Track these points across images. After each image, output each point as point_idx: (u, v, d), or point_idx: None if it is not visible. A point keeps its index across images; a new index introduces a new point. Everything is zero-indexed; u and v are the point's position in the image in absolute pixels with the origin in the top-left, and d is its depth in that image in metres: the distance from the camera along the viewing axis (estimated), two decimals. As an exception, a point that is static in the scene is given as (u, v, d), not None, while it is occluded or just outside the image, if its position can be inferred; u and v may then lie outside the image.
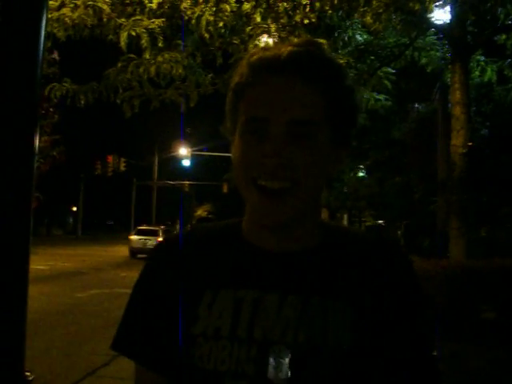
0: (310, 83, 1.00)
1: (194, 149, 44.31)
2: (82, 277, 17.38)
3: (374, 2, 5.98)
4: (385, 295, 1.04)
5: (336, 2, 5.38)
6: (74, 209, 60.09)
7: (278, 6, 5.73)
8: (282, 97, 0.99)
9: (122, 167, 46.88)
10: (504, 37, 9.76)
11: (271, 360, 0.98)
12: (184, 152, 43.73)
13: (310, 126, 1.00)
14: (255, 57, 1.04)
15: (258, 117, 1.00)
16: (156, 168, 53.66)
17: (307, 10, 5.49)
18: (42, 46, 1.31)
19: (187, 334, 1.03)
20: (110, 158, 46.17)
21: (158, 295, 1.09)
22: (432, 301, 7.36)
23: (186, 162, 45.47)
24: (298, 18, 5.74)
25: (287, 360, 0.97)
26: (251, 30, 6.54)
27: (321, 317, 1.00)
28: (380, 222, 31.75)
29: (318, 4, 5.41)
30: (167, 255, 1.14)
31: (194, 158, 45.59)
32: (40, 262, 19.60)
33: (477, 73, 10.87)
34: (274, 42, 6.77)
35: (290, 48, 1.01)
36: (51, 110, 15.65)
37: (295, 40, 1.07)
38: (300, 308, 1.01)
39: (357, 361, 0.98)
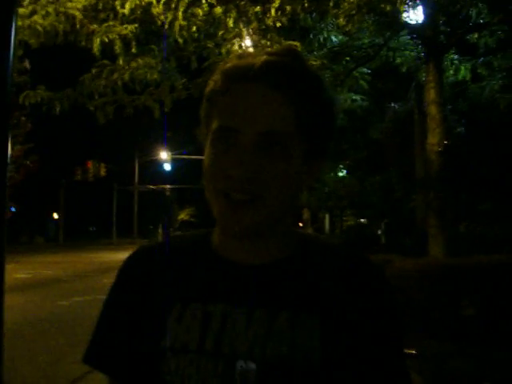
0: (282, 94, 0.98)
1: (174, 152, 44.19)
2: (64, 284, 17.20)
3: (346, 4, 6.00)
4: (353, 307, 1.03)
5: (307, 5, 5.39)
6: (56, 216, 59.57)
7: (248, 11, 5.73)
8: (252, 107, 0.97)
9: (103, 172, 46.64)
10: (476, 35, 9.87)
11: (237, 375, 0.97)
12: (164, 156, 43.61)
13: (280, 138, 0.98)
14: (229, 64, 1.03)
15: (228, 126, 0.98)
16: (137, 172, 53.44)
17: (278, 13, 5.49)
18: (11, 54, 1.30)
19: (157, 348, 1.02)
20: (90, 164, 45.91)
21: (129, 307, 1.08)
22: (411, 299, 7.41)
23: (167, 166, 45.37)
24: (269, 22, 5.75)
25: (254, 375, 0.96)
26: (223, 34, 6.53)
27: (289, 331, 0.99)
28: (362, 220, 31.88)
29: (288, 7, 5.42)
30: (139, 266, 1.13)
31: (174, 161, 45.50)
32: (21, 271, 19.41)
33: (451, 71, 10.97)
34: (250, 46, 6.80)
35: (264, 57, 1.00)
36: (23, 118, 15.51)
37: (274, 47, 1.06)
38: (268, 322, 1.00)
39: (327, 374, 0.98)
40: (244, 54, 1.05)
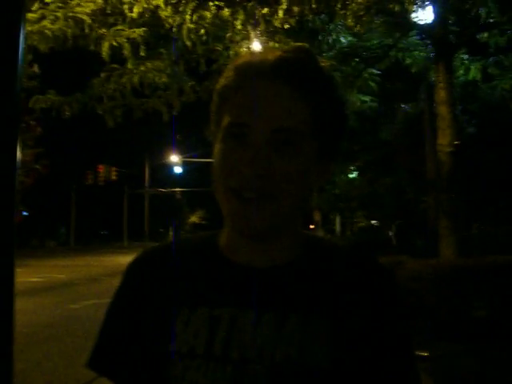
0: (296, 91, 0.96)
1: (185, 155, 44.28)
2: (75, 288, 17.26)
3: (354, 5, 5.98)
4: (362, 309, 1.02)
5: (314, 6, 5.38)
6: (67, 220, 59.90)
7: (256, 13, 5.72)
8: (266, 103, 0.95)
9: (114, 176, 46.89)
10: (486, 35, 9.81)
11: (247, 380, 0.95)
12: (175, 159, 43.73)
13: (293, 135, 0.96)
14: (242, 60, 1.02)
15: (241, 122, 0.96)
16: (147, 176, 53.65)
17: (286, 15, 5.48)
18: (21, 59, 1.30)
19: (163, 353, 1.00)
20: (101, 168, 46.19)
21: (133, 312, 1.07)
22: (422, 301, 7.36)
23: (178, 169, 45.46)
24: (277, 24, 5.74)
25: (264, 380, 0.95)
26: (231, 36, 6.53)
27: (298, 334, 0.97)
28: (373, 222, 31.81)
29: (296, 8, 5.41)
30: (143, 270, 1.11)
31: (185, 164, 45.58)
32: (33, 275, 19.49)
33: (461, 71, 10.92)
34: (258, 48, 6.79)
35: (278, 53, 0.99)
36: (32, 122, 15.57)
37: (287, 45, 1.04)
38: (277, 326, 0.98)
39: (337, 378, 0.96)
40: (257, 52, 1.04)
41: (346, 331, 0.99)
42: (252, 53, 1.04)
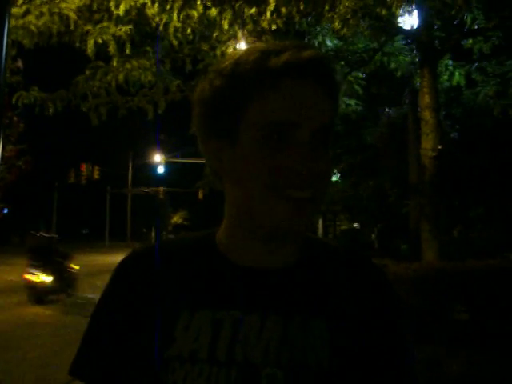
0: (327, 89, 0.99)
1: (168, 155, 44.12)
2: (55, 287, 17.11)
3: (341, 8, 6.00)
4: (361, 309, 1.02)
5: (302, 7, 5.39)
6: (48, 218, 59.42)
7: (243, 12, 5.71)
8: (311, 101, 0.96)
9: (96, 175, 46.58)
10: (471, 41, 9.91)
11: (264, 381, 0.94)
12: (158, 159, 43.55)
13: (329, 132, 0.98)
14: (278, 59, 0.95)
15: (286, 121, 0.94)
16: (130, 175, 53.43)
17: (274, 16, 5.48)
18: (4, 54, 1.28)
19: (160, 358, 0.97)
20: (84, 166, 45.86)
21: (123, 316, 1.02)
22: (404, 304, 7.40)
23: (160, 169, 45.26)
24: (264, 24, 5.74)
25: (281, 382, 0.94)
26: (217, 36, 6.52)
27: (302, 336, 0.97)
28: (355, 225, 31.94)
29: (284, 9, 5.41)
30: (134, 272, 1.06)
31: (167, 164, 45.40)
32: (12, 273, 19.32)
33: (445, 77, 11.02)
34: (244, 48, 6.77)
35: (309, 52, 0.97)
36: (15, 118, 15.42)
37: (287, 42, 1.01)
38: (281, 328, 0.97)
39: (338, 378, 0.96)
40: (279, 47, 0.98)
41: (346, 332, 1.00)
42: (273, 49, 0.98)
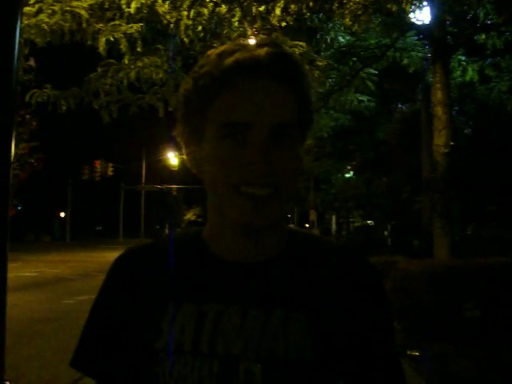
0: (287, 85, 0.99)
1: (181, 152, 44.12)
2: (69, 283, 17.25)
3: (351, 4, 5.98)
4: (345, 303, 1.02)
5: (311, 4, 5.37)
6: (62, 214, 59.79)
7: (252, 10, 5.71)
8: (265, 100, 0.97)
9: (110, 172, 46.83)
10: (484, 36, 9.83)
11: (233, 376, 0.96)
12: (171, 155, 43.65)
13: (289, 129, 0.98)
14: (229, 59, 0.99)
15: (240, 121, 0.96)
16: (144, 172, 53.59)
17: (283, 13, 5.47)
18: (16, 52, 1.30)
19: (149, 350, 1.01)
20: (98, 163, 46.12)
21: (118, 310, 1.07)
22: (415, 301, 7.38)
23: (174, 166, 45.36)
24: (274, 21, 5.73)
25: (250, 375, 0.96)
26: (226, 32, 6.53)
27: (283, 329, 0.98)
28: (369, 222, 31.83)
29: (293, 6, 5.40)
30: (127, 268, 1.11)
31: (182, 161, 45.46)
32: (27, 269, 19.48)
33: (458, 72, 10.95)
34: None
35: (266, 49, 0.98)
36: (27, 116, 15.49)
37: (284, 44, 1.04)
38: (262, 321, 0.99)
39: (320, 373, 0.97)
40: (237, 46, 1.02)
41: (328, 325, 1.00)
42: (233, 49, 1.00)
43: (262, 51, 0.98)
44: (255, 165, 0.95)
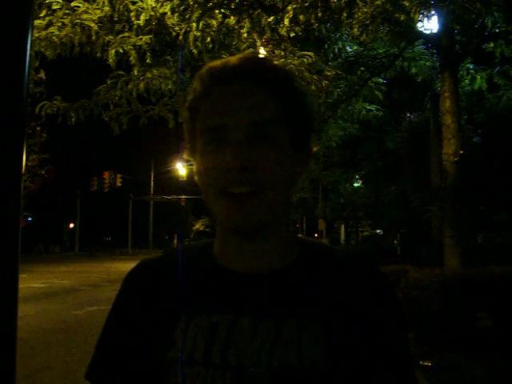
0: (261, 86, 1.02)
1: (190, 163, 44.27)
2: (79, 294, 17.28)
3: (360, 14, 6.00)
4: (359, 315, 1.02)
5: (320, 14, 5.39)
6: (72, 225, 59.99)
7: (261, 21, 5.74)
8: (237, 102, 1.00)
9: (119, 183, 47.00)
10: (492, 45, 9.82)
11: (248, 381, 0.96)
12: (180, 166, 43.76)
13: (268, 127, 1.00)
14: (204, 69, 1.05)
15: (216, 125, 1.00)
16: (152, 183, 53.75)
17: (292, 23, 5.50)
18: (27, 65, 1.31)
19: (162, 361, 1.02)
20: (106, 174, 46.33)
21: (132, 322, 1.08)
22: (426, 310, 7.33)
23: (183, 176, 45.45)
24: (283, 32, 5.76)
25: (266, 381, 0.96)
26: (235, 44, 6.56)
27: (295, 340, 0.98)
28: (377, 231, 31.74)
29: (301, 17, 5.42)
30: (141, 280, 1.12)
31: (190, 171, 45.56)
32: (37, 280, 19.55)
33: (467, 81, 10.93)
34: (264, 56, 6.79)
35: (237, 56, 1.04)
36: (38, 128, 15.60)
37: (288, 57, 1.10)
38: (274, 331, 0.99)
39: (334, 381, 0.97)
40: (216, 60, 1.08)
41: (341, 334, 1.00)
42: (212, 62, 1.07)
43: (234, 58, 1.03)
44: (231, 163, 0.97)
